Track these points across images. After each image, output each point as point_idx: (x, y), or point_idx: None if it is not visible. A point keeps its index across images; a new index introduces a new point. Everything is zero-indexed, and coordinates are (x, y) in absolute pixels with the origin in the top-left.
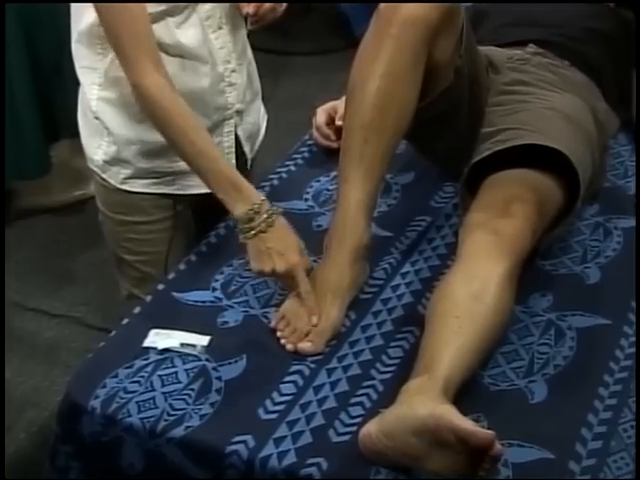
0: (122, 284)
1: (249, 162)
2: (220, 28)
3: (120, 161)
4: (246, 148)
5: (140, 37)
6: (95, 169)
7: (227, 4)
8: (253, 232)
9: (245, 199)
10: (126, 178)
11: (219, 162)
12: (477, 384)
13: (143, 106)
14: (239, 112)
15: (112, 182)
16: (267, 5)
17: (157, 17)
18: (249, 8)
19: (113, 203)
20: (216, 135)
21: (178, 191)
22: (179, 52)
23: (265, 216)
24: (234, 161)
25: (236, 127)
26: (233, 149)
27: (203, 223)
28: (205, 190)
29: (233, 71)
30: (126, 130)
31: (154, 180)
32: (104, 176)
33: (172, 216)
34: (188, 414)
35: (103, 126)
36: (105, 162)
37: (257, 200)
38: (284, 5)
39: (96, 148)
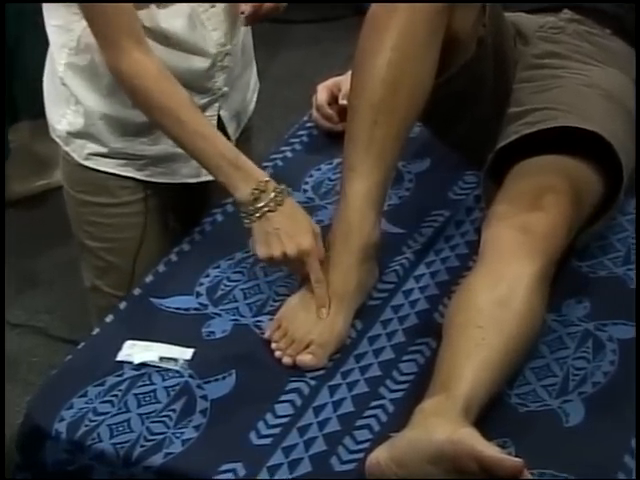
0: (84, 274)
1: (233, 144)
2: (212, 6)
3: (86, 135)
4: (230, 129)
5: (119, 14)
6: (57, 140)
7: None
8: (260, 213)
9: (248, 178)
10: (91, 154)
11: (215, 140)
12: (503, 404)
13: (125, 90)
14: (224, 94)
15: (75, 156)
16: (268, 5)
17: (141, 5)
18: (246, 7)
19: (75, 180)
20: None
21: (148, 178)
22: (167, 39)
23: (273, 195)
24: None
25: (219, 108)
26: None
27: (180, 217)
28: (180, 180)
29: (227, 54)
30: (95, 103)
31: (122, 161)
32: (67, 149)
33: (142, 199)
34: (168, 439)
35: (70, 93)
36: (69, 134)
37: (262, 178)
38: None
39: (60, 116)
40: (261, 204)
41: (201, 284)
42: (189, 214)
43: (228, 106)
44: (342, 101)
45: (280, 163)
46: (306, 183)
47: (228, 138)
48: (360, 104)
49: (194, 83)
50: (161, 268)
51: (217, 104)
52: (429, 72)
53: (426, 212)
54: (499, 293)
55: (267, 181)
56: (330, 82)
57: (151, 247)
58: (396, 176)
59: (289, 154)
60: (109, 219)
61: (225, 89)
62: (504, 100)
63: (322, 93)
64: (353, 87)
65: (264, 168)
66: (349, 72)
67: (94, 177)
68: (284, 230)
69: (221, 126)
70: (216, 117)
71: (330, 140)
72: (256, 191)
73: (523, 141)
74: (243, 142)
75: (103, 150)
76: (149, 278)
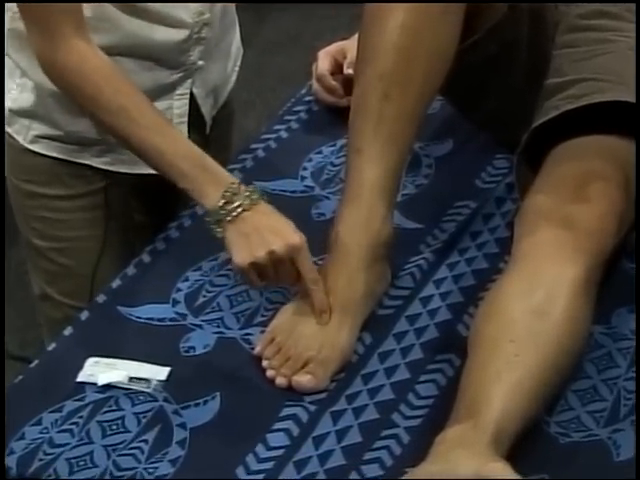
0: (33, 279)
1: (208, 125)
2: None
3: (32, 114)
4: (204, 108)
5: None
6: None
7: None
8: (232, 216)
9: (217, 181)
10: (38, 136)
11: (178, 140)
12: (541, 434)
13: (58, 82)
14: (199, 68)
15: (19, 139)
16: None
17: None
18: None
19: (20, 167)
20: (164, 99)
21: (108, 166)
22: (136, 8)
23: (247, 194)
24: (186, 131)
25: (192, 85)
26: (186, 117)
27: (149, 211)
28: (147, 171)
29: (206, 24)
30: (44, 76)
31: (77, 146)
32: (9, 130)
33: (101, 190)
34: (139, 475)
35: (15, 65)
36: (12, 112)
37: (232, 180)
38: None
39: None
40: (234, 205)
41: (179, 290)
42: (160, 207)
43: (203, 81)
44: (347, 70)
45: (274, 145)
46: (304, 169)
47: (201, 119)
48: (369, 74)
49: (165, 57)
50: (130, 271)
51: (190, 80)
52: (451, 36)
53: (448, 203)
54: (536, 301)
55: (239, 183)
56: (333, 48)
57: (114, 247)
58: (412, 160)
59: (284, 134)
60: (61, 214)
61: (200, 63)
62: (542, 69)
63: (324, 61)
64: (360, 54)
65: (254, 150)
66: (356, 36)
67: (42, 164)
68: (266, 227)
69: (194, 105)
70: (188, 95)
71: (333, 117)
72: (227, 193)
73: (565, 118)
74: (222, 122)
75: (54, 133)
76: (116, 283)
